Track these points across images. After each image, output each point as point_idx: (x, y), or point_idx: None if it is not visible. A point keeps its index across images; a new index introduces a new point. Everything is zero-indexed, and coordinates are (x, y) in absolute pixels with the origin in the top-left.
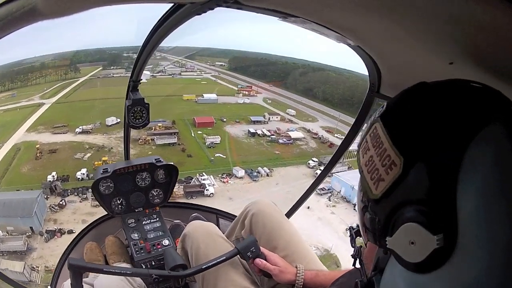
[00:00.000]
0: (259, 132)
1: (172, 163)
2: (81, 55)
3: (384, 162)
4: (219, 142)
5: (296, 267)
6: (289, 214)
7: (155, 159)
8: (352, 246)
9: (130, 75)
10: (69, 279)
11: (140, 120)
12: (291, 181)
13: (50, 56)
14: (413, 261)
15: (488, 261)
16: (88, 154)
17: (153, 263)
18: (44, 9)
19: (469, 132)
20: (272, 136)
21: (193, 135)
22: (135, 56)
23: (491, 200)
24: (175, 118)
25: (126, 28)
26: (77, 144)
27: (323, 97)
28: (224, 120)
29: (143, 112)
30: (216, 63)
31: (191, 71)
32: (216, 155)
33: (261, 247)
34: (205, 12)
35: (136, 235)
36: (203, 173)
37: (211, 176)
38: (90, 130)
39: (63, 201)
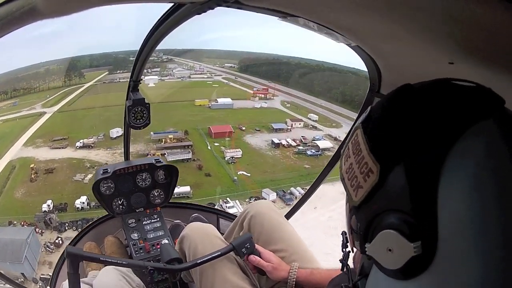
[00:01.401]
0: (283, 142)
1: (172, 164)
2: (86, 60)
3: (362, 170)
4: (240, 156)
5: (291, 265)
6: (288, 216)
7: (155, 160)
8: (342, 251)
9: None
10: (67, 280)
11: (141, 120)
12: (329, 203)
13: (56, 62)
14: (391, 268)
15: (472, 270)
16: (89, 175)
17: (152, 263)
18: (44, 8)
19: (451, 134)
20: (299, 147)
21: (209, 147)
22: None
23: (475, 207)
24: (188, 127)
25: (131, 30)
26: (77, 162)
27: (343, 99)
28: (243, 128)
29: (144, 112)
30: (226, 64)
31: (201, 74)
32: (239, 173)
33: (256, 245)
34: (205, 11)
35: (136, 235)
36: (227, 199)
37: (237, 201)
38: (92, 145)
39: (59, 238)
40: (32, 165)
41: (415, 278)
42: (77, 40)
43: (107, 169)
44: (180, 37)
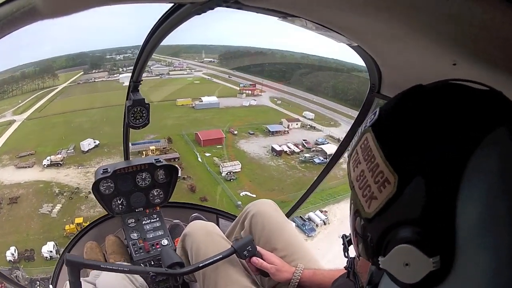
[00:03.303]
0: (285, 148)
1: (172, 164)
2: (62, 60)
3: (376, 179)
4: (239, 170)
5: (296, 266)
6: (289, 214)
7: (155, 159)
8: (345, 256)
9: (111, 78)
10: (67, 281)
11: (140, 120)
12: None
13: (32, 64)
14: (407, 282)
15: (492, 283)
16: (58, 207)
17: (152, 263)
18: (44, 9)
19: (469, 143)
20: (306, 155)
21: (200, 159)
22: (118, 57)
23: (494, 221)
24: (171, 133)
25: (114, 28)
26: (44, 186)
27: (334, 93)
28: (235, 132)
29: (143, 112)
30: (205, 59)
31: (181, 70)
32: (242, 194)
33: (257, 247)
34: (205, 12)
35: (135, 234)
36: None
37: None
38: (61, 162)
39: None
40: None
41: None
42: (54, 39)
43: (107, 168)
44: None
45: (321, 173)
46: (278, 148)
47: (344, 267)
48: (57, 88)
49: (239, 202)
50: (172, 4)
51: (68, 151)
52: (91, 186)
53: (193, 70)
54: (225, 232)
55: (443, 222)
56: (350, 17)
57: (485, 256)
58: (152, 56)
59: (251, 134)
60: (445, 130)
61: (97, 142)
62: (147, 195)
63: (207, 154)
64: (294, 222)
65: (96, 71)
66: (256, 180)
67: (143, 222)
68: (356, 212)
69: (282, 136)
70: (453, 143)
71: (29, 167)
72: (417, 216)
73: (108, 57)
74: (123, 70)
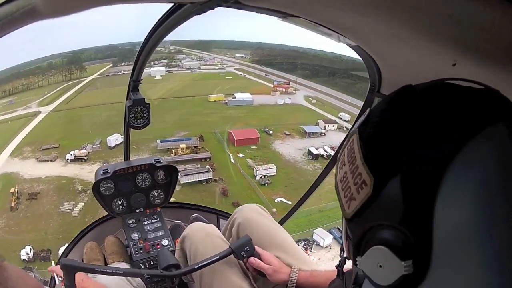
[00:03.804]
0: (322, 152)
1: (171, 165)
2: (91, 52)
3: (355, 180)
4: (275, 174)
5: (291, 267)
6: (282, 222)
7: (155, 160)
8: (340, 256)
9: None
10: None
11: (141, 120)
12: None
13: (60, 56)
14: (380, 283)
15: None
16: (80, 205)
17: (152, 263)
18: (44, 8)
19: (453, 144)
20: None
21: (232, 160)
22: None
23: (477, 226)
24: (202, 130)
25: (140, 22)
26: (67, 183)
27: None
28: (270, 132)
29: (144, 112)
30: (236, 55)
31: (212, 64)
32: (277, 201)
33: (256, 247)
34: (205, 11)
35: (136, 235)
36: None
37: None
38: (85, 157)
39: None
40: (13, 189)
41: None
42: (82, 32)
43: (107, 169)
44: (186, 28)
45: (318, 178)
46: (315, 151)
47: (336, 266)
48: (84, 80)
49: (274, 210)
50: (172, 4)
51: (94, 146)
52: (92, 186)
53: (224, 65)
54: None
55: (417, 227)
56: (350, 17)
57: (461, 269)
58: (183, 50)
59: (287, 134)
60: (425, 133)
61: None
62: (148, 196)
63: (241, 155)
64: (332, 234)
65: (126, 63)
66: (292, 186)
67: (144, 223)
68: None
69: (318, 138)
70: (433, 147)
71: (51, 161)
72: (392, 218)
73: (137, 50)
74: (154, 63)
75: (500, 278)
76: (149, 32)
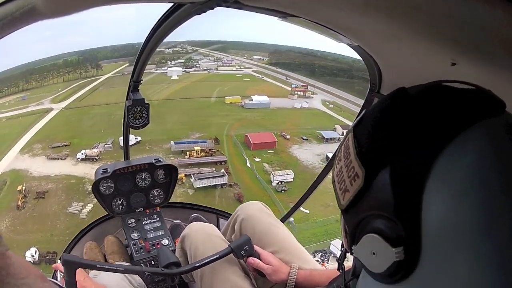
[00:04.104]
0: None
1: (171, 164)
2: (107, 50)
3: (349, 174)
4: (292, 180)
5: (290, 266)
6: (284, 219)
7: (155, 159)
8: (340, 250)
9: (158, 71)
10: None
11: (140, 120)
12: None
13: (76, 53)
14: (375, 271)
15: (458, 279)
16: (89, 207)
17: (152, 263)
18: (44, 8)
19: (441, 138)
20: None
21: (249, 164)
22: (167, 50)
23: (462, 215)
24: (218, 133)
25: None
26: (76, 183)
27: None
28: (287, 137)
29: (143, 112)
30: (254, 57)
31: (229, 66)
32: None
33: (255, 246)
34: (204, 11)
35: (136, 234)
36: None
37: None
38: (96, 157)
39: None
40: (19, 187)
41: (400, 283)
42: (99, 31)
43: (106, 168)
44: (202, 28)
45: (319, 177)
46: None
47: (336, 259)
48: (100, 78)
49: (291, 219)
50: (171, 4)
51: (106, 146)
52: (91, 186)
53: (242, 67)
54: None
55: (406, 216)
56: (350, 17)
57: (451, 257)
58: (200, 50)
59: (304, 139)
60: (414, 129)
61: (139, 138)
62: (147, 195)
63: (257, 159)
64: None
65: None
66: None
67: (144, 222)
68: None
69: (336, 144)
70: (422, 139)
71: (61, 159)
72: (383, 207)
73: (157, 50)
74: (171, 64)
75: (492, 267)
76: (149, 33)
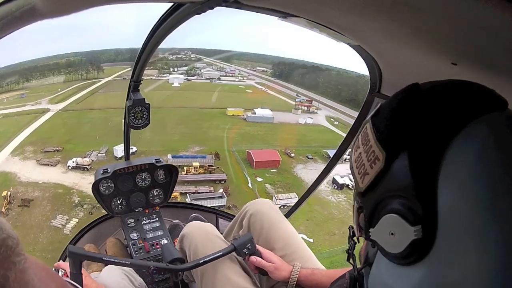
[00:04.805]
0: (347, 181)
1: (171, 164)
2: (111, 53)
3: (369, 158)
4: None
5: (293, 265)
6: (288, 215)
7: (155, 159)
8: (349, 243)
9: (161, 77)
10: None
11: (141, 120)
12: None
13: (80, 54)
14: (393, 251)
15: (474, 258)
16: (73, 222)
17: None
18: (44, 8)
19: (452, 128)
20: None
21: (250, 185)
22: (171, 57)
23: (472, 195)
24: (219, 147)
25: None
26: (64, 192)
27: None
28: (292, 155)
29: (144, 112)
30: (257, 68)
31: (232, 76)
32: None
33: (257, 245)
34: (204, 11)
35: (135, 234)
36: None
37: None
38: (88, 166)
39: None
40: (5, 193)
41: (416, 264)
42: (106, 32)
43: (107, 168)
44: (207, 37)
45: (320, 175)
46: (340, 180)
47: (346, 251)
48: (100, 81)
49: None
50: (171, 4)
51: (99, 155)
52: (91, 186)
53: (245, 78)
54: (224, 232)
55: (424, 196)
56: (351, 17)
57: (466, 236)
58: (204, 59)
59: (309, 158)
60: (430, 117)
61: (134, 148)
62: (147, 195)
63: (259, 179)
64: None
65: (146, 68)
66: (314, 220)
67: (143, 222)
68: (354, 192)
69: (343, 165)
70: (438, 124)
71: (51, 165)
72: (402, 188)
73: (160, 56)
74: (173, 70)
75: (498, 249)
76: (149, 33)
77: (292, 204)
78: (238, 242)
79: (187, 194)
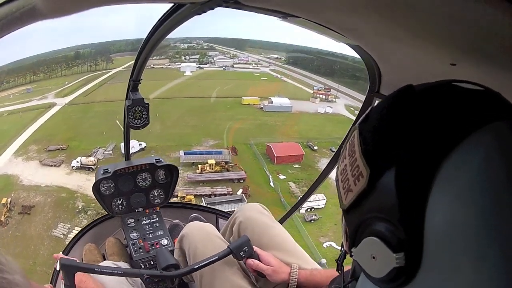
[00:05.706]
0: None
1: (172, 164)
2: (121, 44)
3: (353, 172)
4: (323, 206)
5: (291, 266)
6: (282, 221)
7: (156, 159)
8: (340, 251)
9: (173, 66)
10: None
11: (140, 120)
12: None
13: (89, 46)
14: (374, 275)
15: (471, 280)
16: (75, 230)
17: (152, 263)
18: (44, 8)
19: (449, 141)
20: None
21: (272, 184)
22: (182, 46)
23: (473, 216)
24: (235, 140)
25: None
26: (67, 197)
27: None
28: (315, 148)
29: (143, 112)
30: (271, 55)
31: (245, 63)
32: (325, 245)
33: (254, 247)
34: (205, 12)
35: (135, 234)
36: None
37: None
38: (93, 166)
39: None
40: (5, 200)
41: None
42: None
43: (107, 169)
44: (220, 25)
45: (318, 178)
46: None
47: (336, 260)
48: (109, 72)
49: (324, 260)
50: (172, 4)
51: (106, 152)
52: (92, 186)
53: (259, 65)
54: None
55: (410, 221)
56: (350, 17)
57: (455, 266)
58: (216, 47)
59: (333, 151)
60: (422, 129)
61: (143, 144)
62: (148, 195)
63: (282, 177)
64: None
65: (157, 57)
66: None
67: (143, 222)
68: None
69: None
70: (430, 141)
71: (55, 166)
72: (385, 210)
73: (172, 45)
74: (185, 59)
75: (497, 271)
76: (149, 33)
77: (320, 207)
78: (234, 245)
79: (203, 198)
